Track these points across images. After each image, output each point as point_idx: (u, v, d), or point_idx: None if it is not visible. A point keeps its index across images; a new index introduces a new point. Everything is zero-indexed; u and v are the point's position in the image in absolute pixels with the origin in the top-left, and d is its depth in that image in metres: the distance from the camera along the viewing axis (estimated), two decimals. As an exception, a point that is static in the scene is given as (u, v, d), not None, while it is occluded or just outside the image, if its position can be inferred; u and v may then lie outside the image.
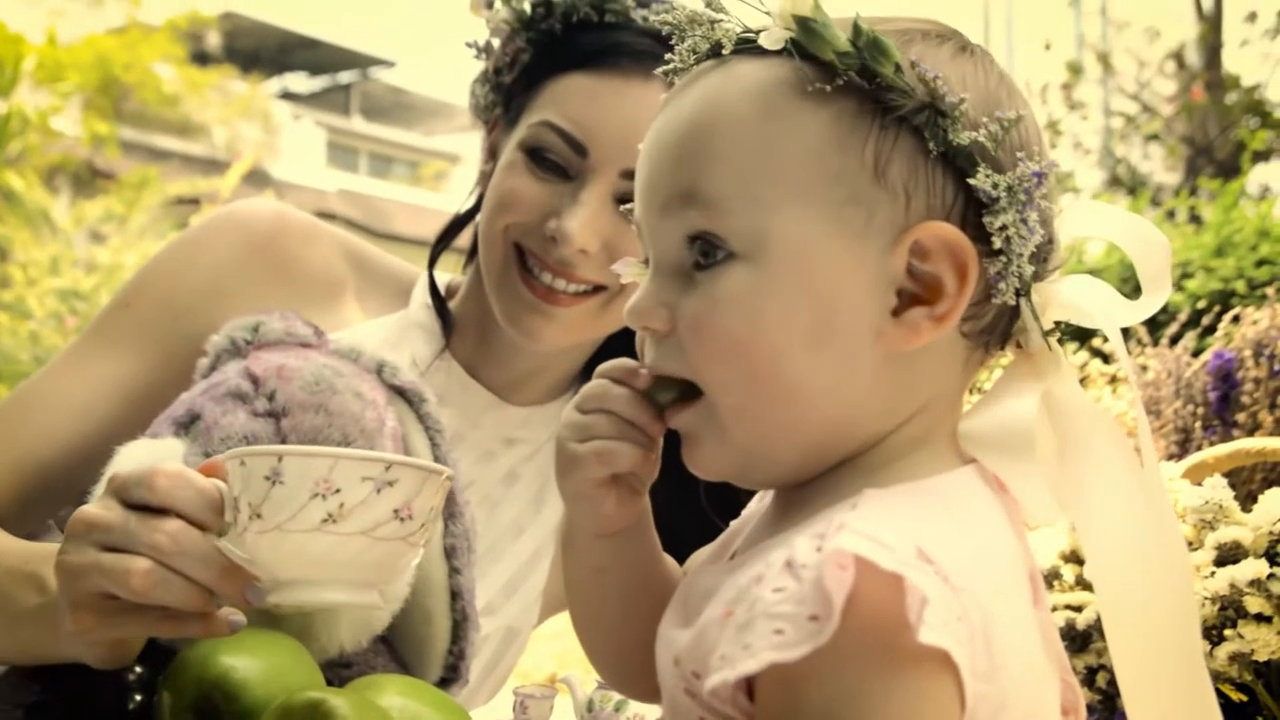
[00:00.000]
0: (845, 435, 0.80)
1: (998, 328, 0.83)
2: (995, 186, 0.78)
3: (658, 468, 0.89)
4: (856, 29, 0.78)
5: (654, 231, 0.83)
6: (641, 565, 0.94)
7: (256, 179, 17.56)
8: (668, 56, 0.88)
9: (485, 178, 1.47)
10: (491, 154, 1.47)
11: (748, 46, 0.83)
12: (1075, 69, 9.55)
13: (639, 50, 1.37)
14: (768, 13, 0.81)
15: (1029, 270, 0.80)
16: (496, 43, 1.45)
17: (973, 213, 0.79)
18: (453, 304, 1.51)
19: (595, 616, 0.97)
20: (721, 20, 0.85)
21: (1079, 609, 1.34)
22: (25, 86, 14.24)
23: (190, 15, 18.95)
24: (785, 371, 0.77)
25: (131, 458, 1.13)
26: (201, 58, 20.27)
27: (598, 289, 1.38)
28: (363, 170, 24.75)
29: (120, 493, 0.95)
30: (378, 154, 25.50)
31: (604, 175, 1.35)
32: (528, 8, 1.42)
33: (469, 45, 1.47)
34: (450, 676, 1.21)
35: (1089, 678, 1.35)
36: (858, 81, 0.78)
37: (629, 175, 1.34)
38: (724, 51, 0.84)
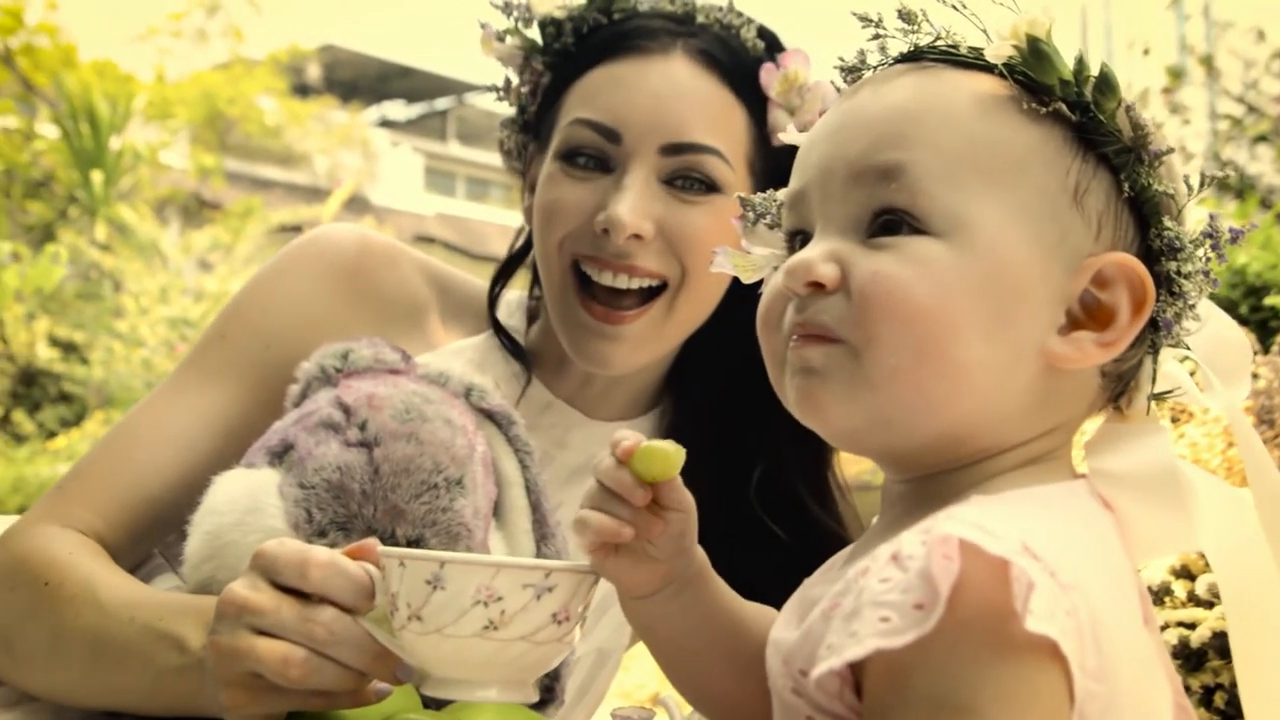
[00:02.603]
0: (982, 432, 0.81)
1: (1125, 379, 0.85)
2: (1179, 238, 0.81)
3: (666, 534, 0.91)
4: (1080, 61, 0.81)
5: (831, 198, 0.84)
6: (691, 623, 0.96)
7: (357, 205, 17.87)
8: (841, 58, 0.91)
9: (529, 213, 1.47)
10: (532, 188, 1.46)
11: (956, 58, 0.85)
12: (1176, 73, 9.34)
13: (654, 29, 1.37)
14: (983, 30, 0.85)
15: (1193, 324, 0.84)
16: (514, 78, 1.46)
17: (1142, 258, 0.82)
18: (534, 328, 1.51)
19: (664, 665, 0.99)
20: (918, 30, 0.87)
21: (1192, 626, 1.31)
22: (136, 123, 14.68)
23: (291, 49, 19.40)
24: (957, 350, 0.78)
25: (228, 489, 1.15)
26: (302, 89, 20.72)
27: (658, 291, 1.37)
28: (460, 194, 25.06)
29: (269, 572, 0.96)
30: (475, 178, 25.80)
31: (643, 156, 1.34)
32: (537, 34, 1.43)
33: (489, 87, 1.49)
34: (546, 698, 1.21)
35: (1206, 697, 1.31)
36: (1065, 111, 0.82)
37: (668, 150, 1.33)
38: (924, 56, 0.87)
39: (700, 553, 0.96)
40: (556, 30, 1.42)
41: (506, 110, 1.51)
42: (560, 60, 1.42)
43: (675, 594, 0.94)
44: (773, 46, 1.42)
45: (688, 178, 1.34)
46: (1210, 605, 1.33)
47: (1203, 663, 1.29)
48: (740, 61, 1.38)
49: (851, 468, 1.58)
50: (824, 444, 1.50)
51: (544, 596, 0.90)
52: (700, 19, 1.39)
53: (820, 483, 1.51)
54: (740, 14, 1.41)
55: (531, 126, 1.47)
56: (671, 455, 0.88)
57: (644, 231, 1.32)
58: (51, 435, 10.69)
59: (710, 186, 1.35)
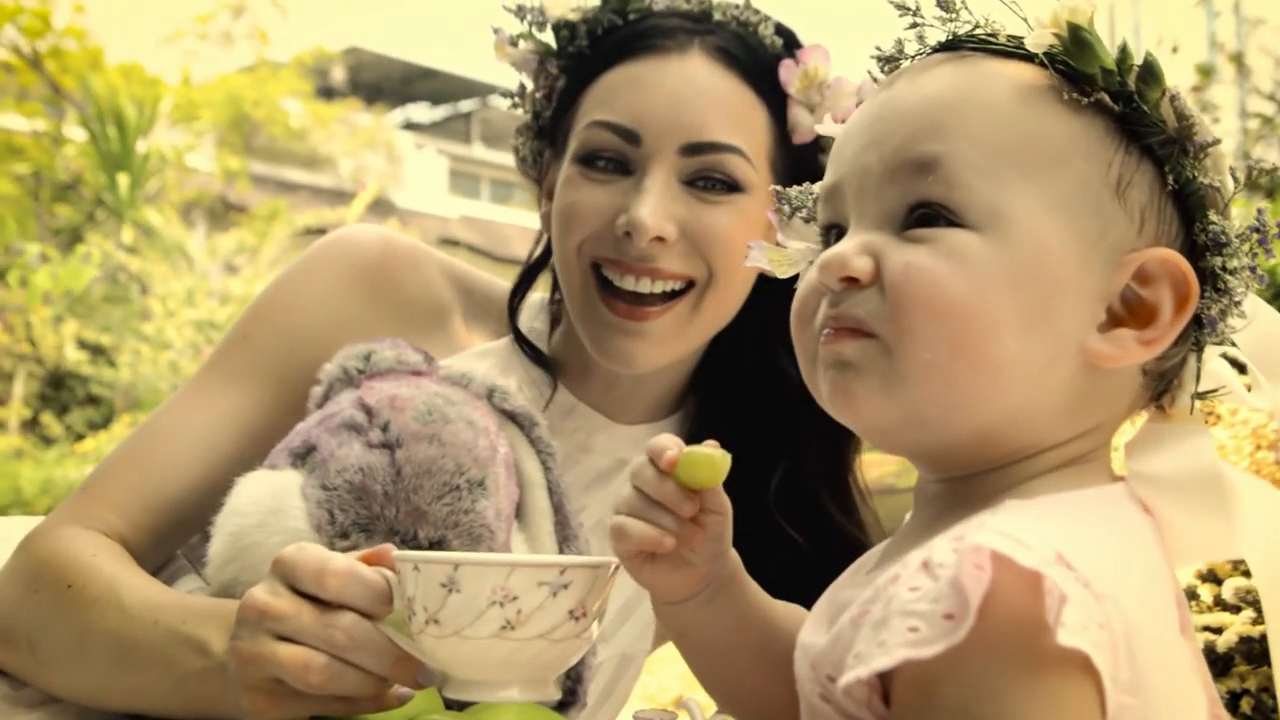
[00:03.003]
0: (1017, 431, 0.80)
1: (1167, 378, 0.83)
2: (1224, 232, 0.79)
3: (705, 542, 0.90)
4: (1124, 50, 0.80)
5: (867, 192, 0.83)
6: (725, 625, 0.95)
7: (381, 208, 17.95)
8: (878, 47, 0.90)
9: (547, 220, 1.46)
10: (549, 195, 1.45)
11: (995, 46, 0.84)
12: (1206, 71, 9.28)
13: (670, 28, 1.36)
14: (1023, 18, 0.83)
15: (1238, 322, 0.82)
16: (529, 83, 1.45)
17: (1187, 253, 0.80)
18: (556, 333, 1.50)
19: (694, 666, 0.98)
20: (955, 18, 0.86)
21: (1219, 631, 1.29)
22: (162, 126, 14.79)
23: (316, 51, 19.50)
24: (994, 346, 0.77)
25: (251, 490, 1.15)
26: (327, 92, 20.82)
27: (684, 290, 1.35)
28: (484, 196, 25.12)
29: (289, 578, 0.96)
30: (499, 180, 25.86)
31: (663, 157, 1.32)
32: (550, 38, 1.42)
33: (503, 94, 1.48)
34: (568, 700, 1.20)
35: (1232, 702, 1.30)
36: (1108, 102, 0.80)
37: (688, 150, 1.31)
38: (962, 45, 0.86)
39: (734, 554, 0.95)
40: (571, 33, 1.40)
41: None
42: (575, 63, 1.41)
43: (710, 597, 0.94)
44: (791, 43, 1.40)
45: (709, 178, 1.33)
46: (1236, 610, 1.31)
47: (1229, 668, 1.28)
48: (759, 59, 1.37)
49: (874, 471, 1.57)
50: (846, 446, 1.49)
51: (559, 593, 0.89)
52: (717, 16, 1.38)
53: (841, 486, 1.50)
54: (757, 11, 1.40)
55: (547, 132, 1.46)
56: (719, 462, 0.88)
57: (666, 234, 1.31)
58: (79, 438, 10.78)
59: (732, 186, 1.33)
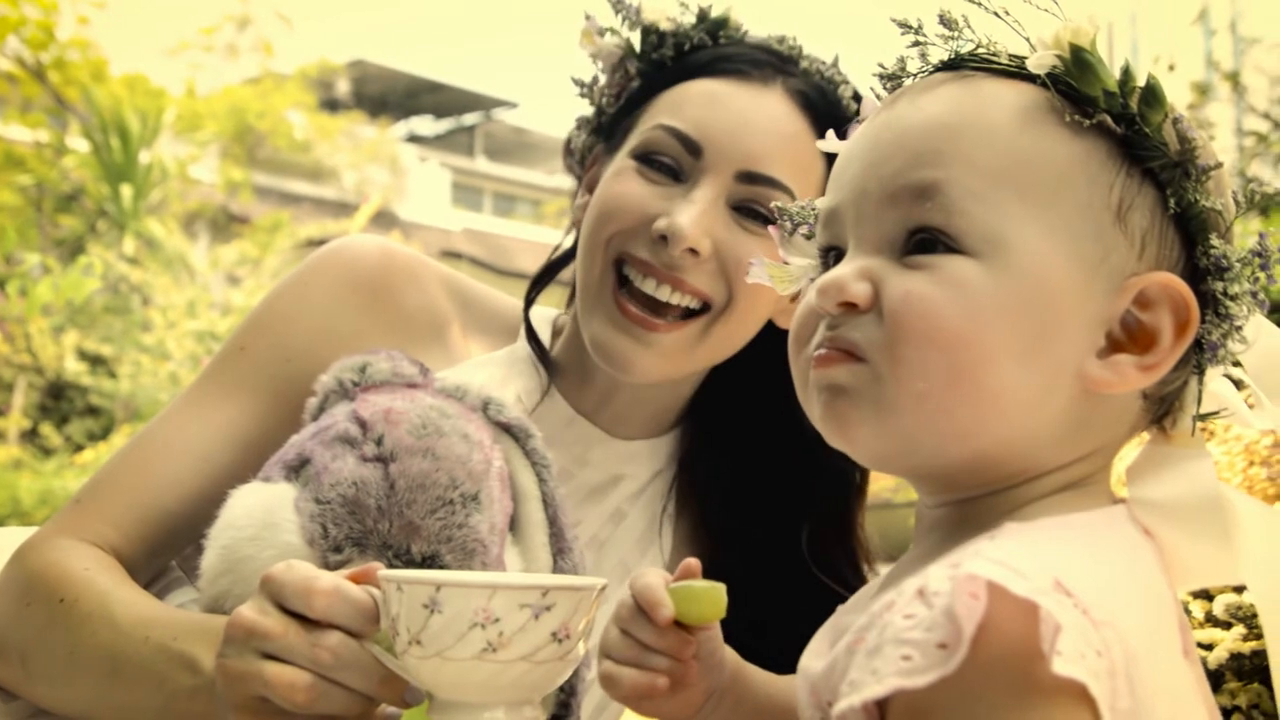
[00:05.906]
0: (1014, 458, 0.79)
1: (1168, 401, 0.83)
2: (1226, 256, 0.79)
3: (696, 674, 0.91)
4: (1126, 72, 0.79)
5: (866, 217, 0.82)
6: None
7: (384, 220, 17.97)
8: (881, 65, 0.89)
9: (581, 211, 1.46)
10: (590, 189, 1.45)
11: (997, 67, 0.83)
12: (1202, 89, 9.30)
13: (757, 59, 1.37)
14: (1027, 38, 0.82)
15: (1239, 346, 0.81)
16: (603, 77, 1.45)
17: (1188, 277, 0.79)
18: (559, 342, 1.50)
19: None
20: (958, 37, 0.85)
21: (1209, 647, 1.30)
22: (165, 137, 14.81)
23: (320, 64, 19.56)
24: (990, 376, 0.76)
25: (244, 502, 1.15)
26: (331, 104, 20.86)
27: (700, 311, 1.35)
28: (487, 209, 25.16)
29: (276, 597, 0.96)
30: (501, 193, 25.89)
31: (718, 175, 1.33)
32: (636, 40, 1.42)
33: (575, 81, 1.47)
34: (561, 714, 1.20)
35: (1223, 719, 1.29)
36: (1110, 124, 0.79)
37: (744, 177, 1.32)
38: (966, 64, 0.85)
39: (730, 654, 0.95)
40: (658, 40, 1.41)
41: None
42: (654, 69, 1.42)
43: (718, 704, 0.94)
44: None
45: (755, 209, 1.34)
46: (1228, 626, 1.31)
47: (1220, 684, 1.28)
48: (834, 115, 1.37)
49: (871, 485, 1.56)
50: (852, 507, 1.49)
51: (542, 616, 0.89)
52: (804, 64, 1.40)
53: (846, 545, 1.50)
54: (841, 72, 1.42)
55: (604, 130, 1.46)
56: (719, 596, 0.88)
57: (701, 248, 1.32)
58: (79, 448, 10.76)
59: (774, 223, 1.34)
